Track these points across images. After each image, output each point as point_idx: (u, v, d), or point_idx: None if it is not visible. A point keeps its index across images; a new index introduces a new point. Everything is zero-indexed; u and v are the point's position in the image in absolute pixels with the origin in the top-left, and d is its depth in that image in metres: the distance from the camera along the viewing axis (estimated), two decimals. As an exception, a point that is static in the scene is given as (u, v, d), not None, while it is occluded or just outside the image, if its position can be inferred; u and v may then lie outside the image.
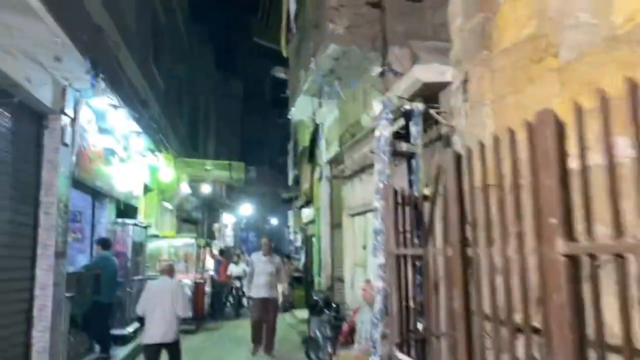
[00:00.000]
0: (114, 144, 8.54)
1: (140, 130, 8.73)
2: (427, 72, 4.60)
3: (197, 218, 19.21)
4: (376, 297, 3.71)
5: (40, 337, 5.88)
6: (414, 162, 4.06)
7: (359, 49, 6.50)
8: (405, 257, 3.69)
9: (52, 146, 6.09)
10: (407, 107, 4.09)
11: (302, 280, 16.50)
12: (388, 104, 3.80)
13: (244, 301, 15.25)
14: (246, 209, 26.75)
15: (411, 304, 3.81)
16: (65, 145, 6.29)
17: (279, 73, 10.73)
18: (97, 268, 7.31)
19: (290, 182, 20.44)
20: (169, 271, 6.36)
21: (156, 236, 12.34)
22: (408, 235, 3.85)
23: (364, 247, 7.61)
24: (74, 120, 6.52)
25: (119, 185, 9.05)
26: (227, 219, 23.10)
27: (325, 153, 10.08)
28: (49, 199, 6.02)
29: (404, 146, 3.92)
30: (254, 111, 29.65)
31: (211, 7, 24.46)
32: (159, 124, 10.48)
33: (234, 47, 29.18)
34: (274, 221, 36.78)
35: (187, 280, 12.28)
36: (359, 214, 7.90)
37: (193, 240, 12.59)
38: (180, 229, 15.99)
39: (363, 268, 7.67)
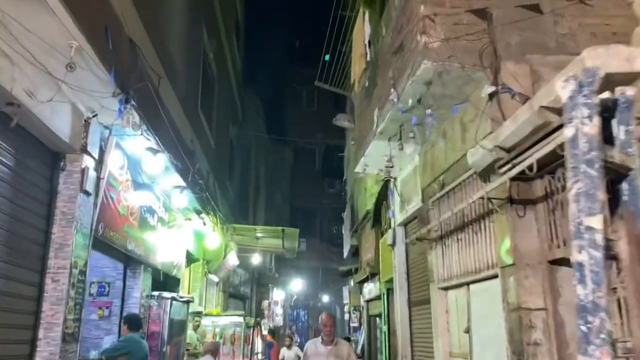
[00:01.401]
0: (152, 201, 7.19)
1: (184, 185, 7.38)
2: (606, 58, 3.00)
3: (245, 294, 17.54)
4: None
5: None
6: (625, 185, 2.36)
7: (460, 67, 5.00)
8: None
9: (68, 194, 4.73)
10: (605, 95, 2.45)
11: (363, 366, 14.32)
12: (588, 81, 2.18)
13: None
14: (296, 284, 24.89)
15: None
16: (87, 193, 4.93)
17: (343, 121, 9.36)
18: (122, 354, 5.69)
19: (345, 254, 18.63)
20: (214, 351, 6.55)
21: (199, 314, 10.73)
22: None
23: (467, 331, 5.72)
24: (99, 164, 5.20)
25: (157, 251, 7.61)
26: (277, 296, 21.29)
27: (398, 214, 8.41)
28: (60, 261, 4.58)
29: (615, 155, 2.25)
30: (304, 181, 28.50)
31: (262, 74, 24.07)
32: (206, 181, 9.17)
33: (285, 115, 28.60)
34: (325, 298, 34.52)
35: (234, 366, 10.52)
36: (456, 286, 6.08)
37: (241, 319, 10.89)
38: (227, 306, 14.34)
39: None
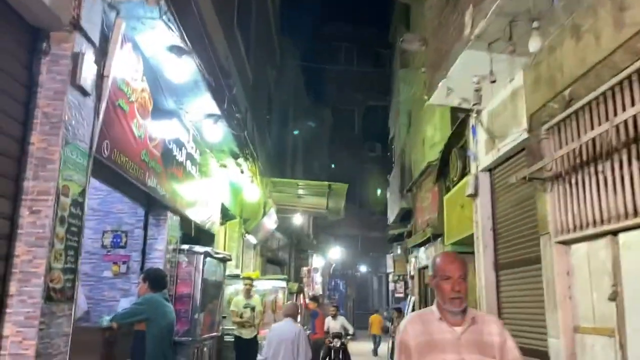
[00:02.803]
0: (179, 131, 5.70)
1: (219, 114, 5.88)
2: None
3: (283, 259, 16.21)
4: None
5: None
6: None
7: None
8: None
9: (52, 87, 3.24)
10: None
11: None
12: None
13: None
14: (335, 252, 23.49)
15: None
16: (82, 92, 3.43)
17: (412, 43, 7.60)
18: (140, 320, 4.28)
19: (392, 219, 17.05)
20: (295, 314, 6.19)
21: (237, 276, 9.38)
22: None
23: (613, 298, 4.08)
24: (101, 55, 3.68)
25: (187, 196, 6.17)
26: (317, 263, 19.92)
27: (483, 156, 6.75)
28: (41, 184, 3.12)
29: None
30: (343, 144, 26.77)
31: (300, 27, 22.29)
32: (244, 119, 7.66)
33: (322, 73, 26.78)
34: (363, 268, 33.15)
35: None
36: (589, 237, 4.42)
37: (284, 284, 9.49)
38: (265, 271, 13.01)
39: (610, 338, 4.11)
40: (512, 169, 6.08)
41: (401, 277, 20.38)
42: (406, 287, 19.83)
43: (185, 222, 6.40)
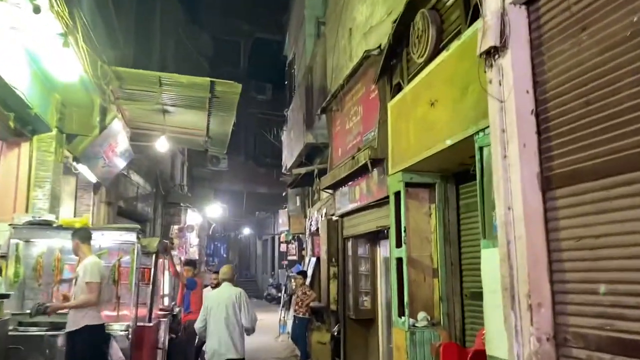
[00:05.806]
0: None
1: None
2: None
3: (146, 213, 12.07)
4: None
5: None
6: None
7: None
8: None
9: None
10: None
11: (322, 316, 9.69)
12: None
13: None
14: (215, 209, 19.56)
15: None
16: None
17: None
18: None
19: (291, 162, 13.52)
20: (231, 278, 5.60)
21: (48, 224, 5.39)
22: None
23: None
24: None
25: None
26: (192, 220, 15.89)
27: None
28: None
29: None
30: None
31: None
32: None
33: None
34: (246, 231, 29.54)
35: (118, 325, 5.42)
36: None
37: (133, 238, 5.59)
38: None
39: None
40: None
41: (295, 237, 17.18)
42: (301, 248, 16.64)
43: None
